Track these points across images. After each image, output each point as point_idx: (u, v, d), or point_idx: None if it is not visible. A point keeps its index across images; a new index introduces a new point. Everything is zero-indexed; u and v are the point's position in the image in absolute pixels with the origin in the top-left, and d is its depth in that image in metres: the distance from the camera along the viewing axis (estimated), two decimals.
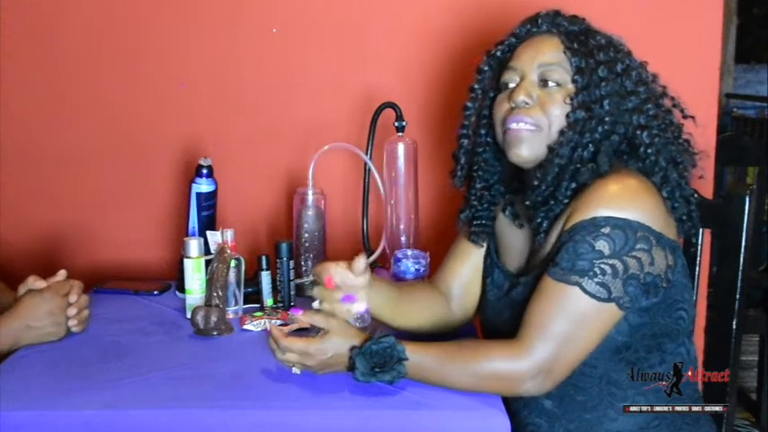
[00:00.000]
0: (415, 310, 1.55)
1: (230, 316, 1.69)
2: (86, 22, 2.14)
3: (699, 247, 1.66)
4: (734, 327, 1.55)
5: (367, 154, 2.00)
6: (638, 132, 1.41)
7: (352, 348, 1.35)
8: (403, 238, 1.95)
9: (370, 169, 2.02)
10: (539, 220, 1.41)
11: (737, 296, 1.55)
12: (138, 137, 2.17)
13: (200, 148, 2.07)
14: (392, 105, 1.98)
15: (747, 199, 1.54)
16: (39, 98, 2.17)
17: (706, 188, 1.91)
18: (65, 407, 1.29)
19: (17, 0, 2.13)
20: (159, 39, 2.14)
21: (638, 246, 1.31)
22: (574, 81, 1.41)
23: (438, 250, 1.76)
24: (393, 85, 2.11)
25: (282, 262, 1.76)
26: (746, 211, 1.54)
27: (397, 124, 1.96)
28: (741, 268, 1.54)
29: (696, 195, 1.48)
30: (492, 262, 1.57)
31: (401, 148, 1.95)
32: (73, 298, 1.58)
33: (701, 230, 1.65)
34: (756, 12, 6.61)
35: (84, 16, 2.14)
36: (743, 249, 1.54)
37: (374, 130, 2.01)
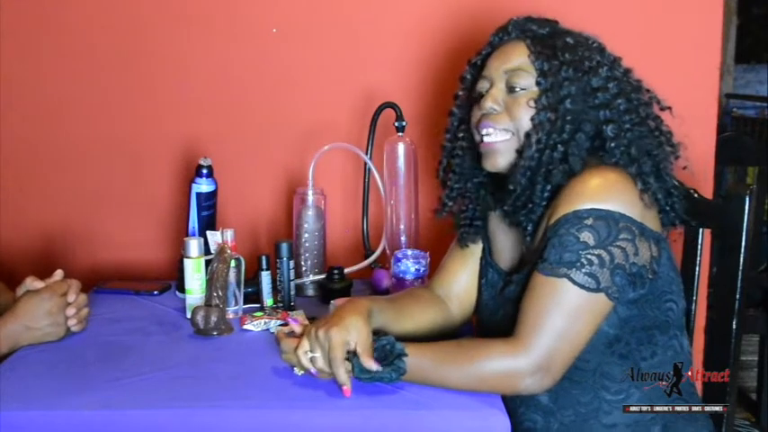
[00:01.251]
0: (411, 317, 1.54)
1: (230, 316, 1.69)
2: (87, 22, 2.14)
3: (699, 247, 1.66)
4: (734, 327, 1.55)
5: (367, 154, 2.00)
6: (604, 127, 1.43)
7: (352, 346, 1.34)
8: (403, 238, 1.96)
9: (370, 169, 2.02)
10: (523, 222, 1.43)
11: (737, 296, 1.55)
12: (138, 137, 2.18)
13: (201, 148, 2.07)
14: (392, 105, 1.98)
15: (747, 199, 1.54)
16: (38, 98, 2.17)
17: (706, 188, 1.92)
18: (65, 407, 1.29)
19: (17, 0, 2.13)
20: (159, 39, 2.14)
21: (622, 236, 1.33)
22: (537, 84, 1.43)
23: (438, 250, 1.76)
24: (393, 85, 2.11)
25: (282, 262, 1.76)
26: (746, 211, 1.54)
27: (397, 124, 1.97)
28: (741, 268, 1.54)
29: (683, 187, 1.49)
30: (486, 262, 1.58)
31: (401, 148, 1.95)
32: (71, 297, 1.58)
33: (701, 230, 1.65)
34: (756, 12, 6.62)
35: (85, 16, 2.14)
36: (743, 249, 1.54)
37: (374, 130, 2.01)
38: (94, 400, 1.30)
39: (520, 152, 1.43)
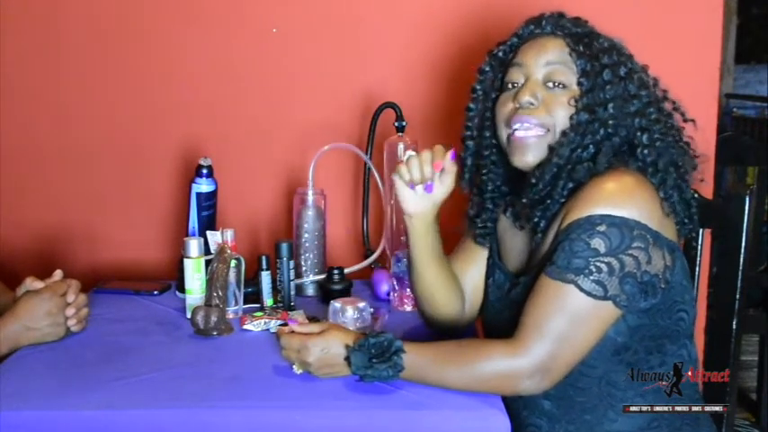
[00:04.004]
0: (447, 292, 1.56)
1: (230, 316, 1.69)
2: (87, 23, 2.14)
3: (699, 247, 1.66)
4: (734, 327, 1.55)
5: (367, 154, 2.00)
6: (639, 134, 1.41)
7: (351, 344, 1.35)
8: (403, 238, 1.95)
9: (370, 169, 2.02)
10: (536, 219, 1.42)
11: (737, 296, 1.55)
12: (138, 137, 2.18)
13: (201, 148, 2.07)
14: (392, 105, 1.98)
15: (747, 199, 1.54)
16: (39, 98, 2.17)
17: (706, 188, 1.91)
18: (65, 407, 1.29)
19: (17, 0, 2.13)
20: (159, 39, 2.14)
21: (635, 244, 1.31)
22: (579, 84, 1.41)
23: None
24: (393, 85, 2.11)
25: (282, 262, 1.76)
26: (746, 211, 1.54)
27: (397, 124, 1.96)
28: (741, 268, 1.54)
29: (696, 196, 1.47)
30: (494, 263, 1.57)
31: (401, 148, 1.95)
32: (71, 297, 1.58)
33: (701, 231, 1.65)
34: (756, 12, 6.61)
35: (85, 16, 2.14)
36: (743, 249, 1.54)
37: (374, 130, 2.01)
38: (94, 400, 1.30)
39: (551, 148, 1.41)
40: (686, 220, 1.41)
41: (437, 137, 2.05)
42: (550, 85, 1.42)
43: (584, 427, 1.38)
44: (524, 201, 1.44)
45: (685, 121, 1.48)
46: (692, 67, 2.05)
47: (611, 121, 1.40)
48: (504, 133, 1.46)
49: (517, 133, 1.42)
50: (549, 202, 1.40)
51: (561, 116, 1.41)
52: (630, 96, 1.42)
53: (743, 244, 1.54)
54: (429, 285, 1.55)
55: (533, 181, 1.41)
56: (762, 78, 6.21)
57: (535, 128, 1.41)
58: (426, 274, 1.54)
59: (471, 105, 1.52)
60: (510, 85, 1.46)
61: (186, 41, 2.14)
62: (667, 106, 1.47)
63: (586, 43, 1.43)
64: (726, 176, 3.45)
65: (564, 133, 1.40)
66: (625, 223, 1.31)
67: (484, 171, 1.53)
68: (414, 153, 1.49)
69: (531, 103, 1.42)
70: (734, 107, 5.26)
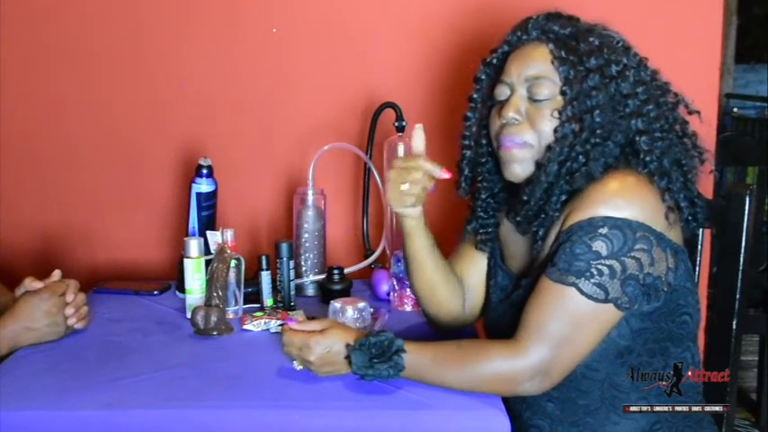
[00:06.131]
0: (448, 286, 1.56)
1: (230, 316, 1.69)
2: (86, 23, 2.14)
3: (699, 247, 1.66)
4: (734, 327, 1.55)
5: (367, 154, 2.00)
6: (638, 138, 1.38)
7: (352, 343, 1.35)
8: None
9: (370, 169, 2.02)
10: (534, 230, 1.41)
11: (737, 296, 1.55)
12: (138, 137, 2.18)
13: (200, 148, 2.07)
14: (392, 105, 1.98)
15: (747, 199, 1.54)
16: (38, 98, 2.17)
17: (706, 188, 1.92)
18: (65, 407, 1.29)
19: (17, 0, 2.13)
20: (159, 39, 2.14)
21: (638, 246, 1.30)
22: (562, 93, 1.38)
23: None
24: (393, 85, 2.11)
25: (282, 262, 1.76)
26: (746, 211, 1.54)
27: (397, 124, 1.97)
28: (741, 268, 1.54)
29: (700, 196, 1.46)
30: (496, 264, 1.56)
31: (401, 148, 1.95)
32: (69, 297, 1.58)
33: (701, 230, 1.65)
34: (756, 12, 6.62)
35: (85, 16, 2.14)
36: (743, 249, 1.54)
37: (374, 130, 2.01)
38: (94, 400, 1.30)
39: (538, 164, 1.39)
40: (690, 218, 1.40)
41: (437, 137, 2.05)
42: (534, 98, 1.40)
43: (587, 429, 1.38)
44: (518, 219, 1.43)
45: (690, 113, 1.45)
46: (692, 67, 2.05)
47: (599, 130, 1.37)
48: (495, 147, 1.46)
49: (504, 148, 1.42)
50: (543, 216, 1.39)
51: (546, 130, 1.39)
52: (624, 96, 1.39)
53: (743, 244, 1.54)
54: (428, 281, 1.55)
55: (525, 198, 1.41)
56: (762, 78, 6.21)
57: (520, 143, 1.40)
58: (426, 269, 1.54)
59: (469, 114, 1.51)
60: (497, 100, 1.45)
61: (186, 41, 2.14)
62: (670, 99, 1.44)
63: (571, 47, 1.40)
64: (726, 176, 3.45)
65: (549, 148, 1.38)
66: (628, 225, 1.30)
67: (480, 179, 1.53)
68: (421, 127, 1.50)
69: (516, 120, 1.40)
70: (734, 107, 5.26)
